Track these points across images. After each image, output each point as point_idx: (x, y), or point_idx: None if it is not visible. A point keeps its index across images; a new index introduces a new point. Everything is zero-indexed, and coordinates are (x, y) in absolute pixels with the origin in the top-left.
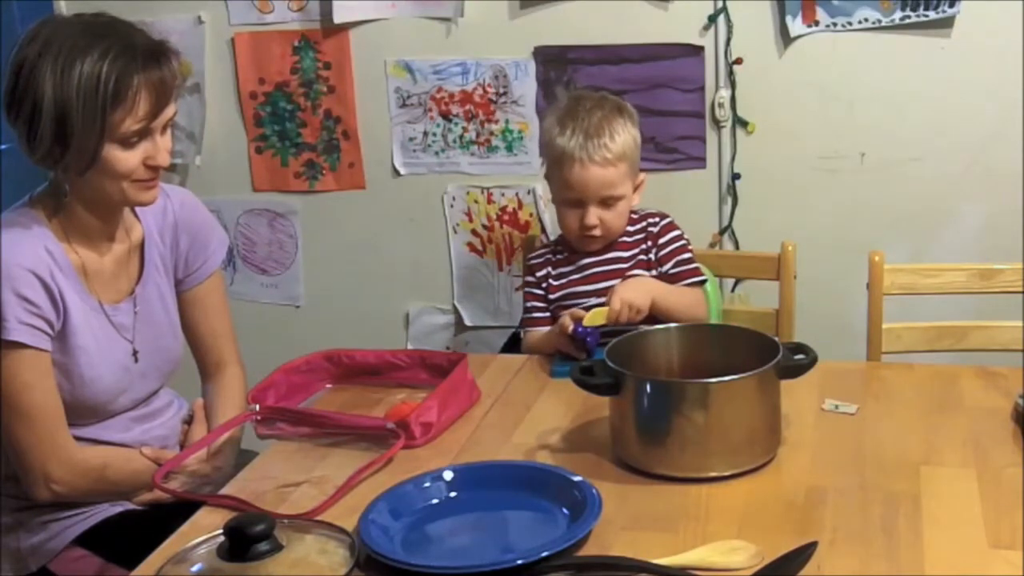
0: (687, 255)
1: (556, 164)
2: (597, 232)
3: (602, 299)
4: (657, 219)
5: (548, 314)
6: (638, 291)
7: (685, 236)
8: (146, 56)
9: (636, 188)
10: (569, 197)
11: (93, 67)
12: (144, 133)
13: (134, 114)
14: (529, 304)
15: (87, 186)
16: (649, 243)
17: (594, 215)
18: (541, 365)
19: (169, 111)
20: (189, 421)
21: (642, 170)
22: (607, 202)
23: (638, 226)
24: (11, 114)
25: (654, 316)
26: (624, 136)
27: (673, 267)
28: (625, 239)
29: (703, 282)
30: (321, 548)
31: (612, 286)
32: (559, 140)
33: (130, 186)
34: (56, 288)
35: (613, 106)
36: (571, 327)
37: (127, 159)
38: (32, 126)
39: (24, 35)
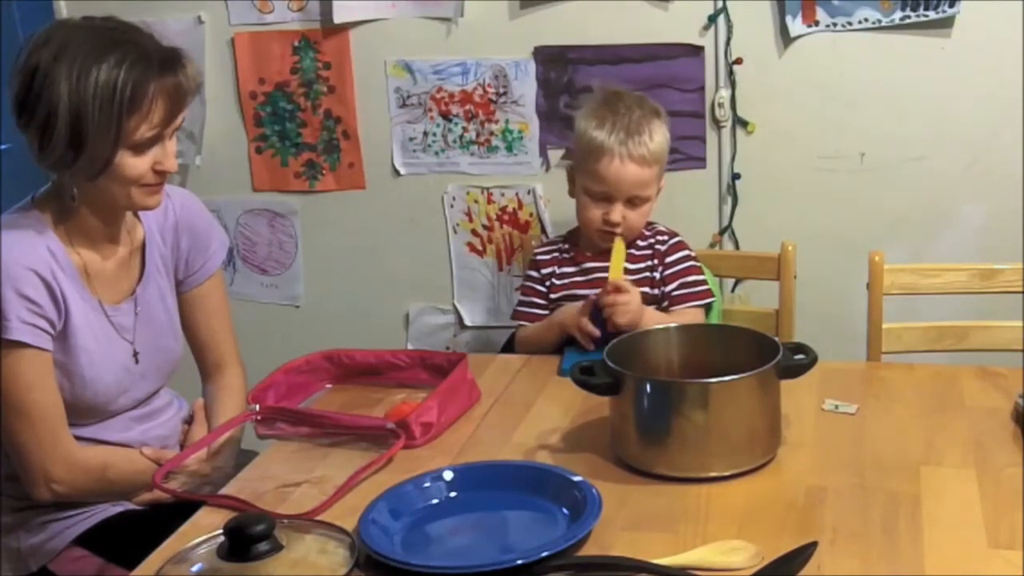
0: (693, 277)
1: (590, 157)
2: (619, 230)
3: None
4: (666, 237)
5: (547, 312)
6: (640, 312)
7: (694, 256)
8: (162, 63)
9: (659, 189)
10: (598, 191)
11: (110, 74)
12: (155, 139)
13: (149, 121)
14: (528, 299)
15: (94, 190)
16: (655, 261)
17: (619, 212)
18: (541, 365)
19: (177, 119)
20: (189, 421)
21: None
22: (634, 201)
23: (647, 241)
24: (23, 119)
25: None
26: (660, 138)
27: (677, 288)
28: (633, 251)
29: (709, 304)
30: (321, 548)
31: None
32: (596, 133)
33: (137, 191)
34: (58, 288)
35: (650, 108)
36: (604, 298)
37: (137, 165)
38: (46, 132)
39: (35, 38)
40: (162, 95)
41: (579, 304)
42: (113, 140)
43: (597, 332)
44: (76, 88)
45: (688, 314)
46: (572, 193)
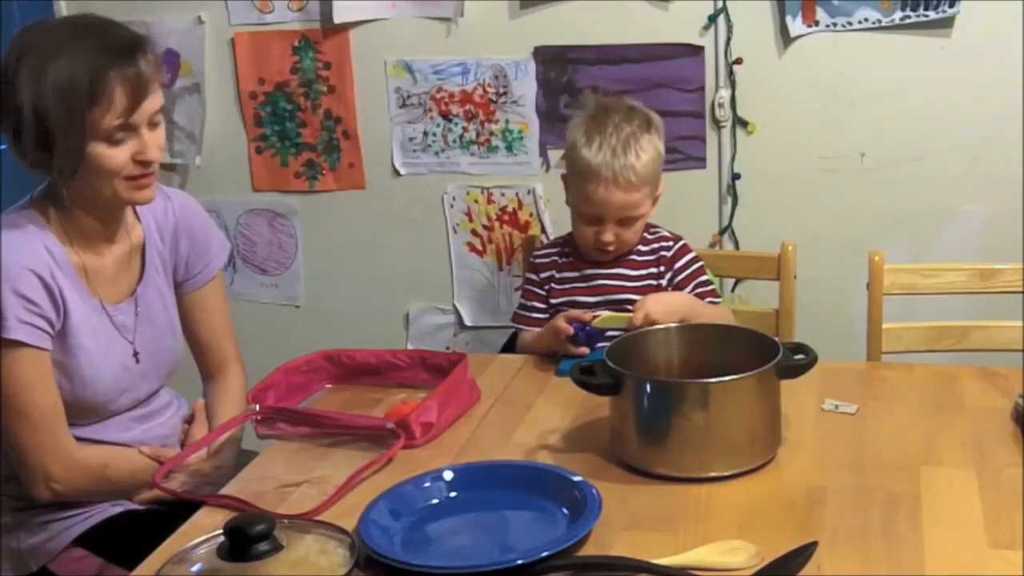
0: (704, 277)
1: (578, 176)
2: (612, 248)
3: (606, 310)
4: (671, 243)
5: (546, 315)
6: (665, 311)
7: (698, 257)
8: (120, 51)
9: (655, 201)
10: (588, 213)
11: (67, 69)
12: (128, 128)
13: (112, 110)
14: (528, 303)
15: (84, 188)
16: (662, 267)
17: (611, 232)
18: (541, 365)
19: (150, 104)
20: (189, 421)
21: None
22: (625, 221)
23: (650, 246)
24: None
25: None
26: (650, 153)
27: (693, 290)
28: (635, 257)
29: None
30: (321, 548)
31: (617, 300)
32: (584, 152)
33: (122, 184)
34: (56, 287)
35: (641, 120)
36: (571, 330)
37: (114, 156)
38: (17, 134)
39: (12, 41)
40: (122, 84)
41: (562, 324)
42: (80, 133)
43: (585, 352)
44: (36, 88)
45: (717, 310)
46: (568, 200)
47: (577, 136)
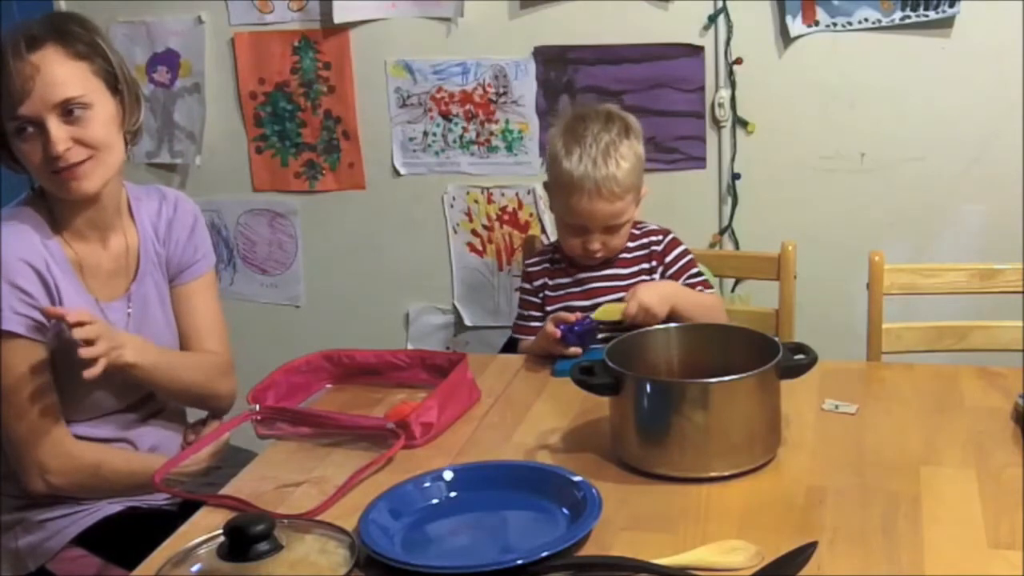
0: (695, 269)
1: (561, 188)
2: (600, 255)
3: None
4: (660, 236)
5: (543, 323)
6: (658, 298)
7: (688, 249)
8: (15, 44)
9: (638, 201)
10: (573, 223)
11: None
12: (31, 122)
13: (3, 104)
14: (525, 312)
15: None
16: (654, 262)
17: (597, 241)
18: (541, 365)
19: (50, 94)
20: (202, 423)
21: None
22: (611, 228)
23: (639, 242)
24: None
25: (672, 319)
26: (631, 161)
27: (684, 282)
28: (625, 256)
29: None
30: (321, 548)
31: (611, 301)
32: (565, 164)
33: (50, 179)
34: (52, 280)
35: (620, 127)
36: (558, 334)
37: (29, 152)
38: None
39: None
40: (10, 77)
41: (550, 328)
42: None
43: (578, 352)
44: None
45: (706, 297)
46: (552, 209)
47: (557, 147)
